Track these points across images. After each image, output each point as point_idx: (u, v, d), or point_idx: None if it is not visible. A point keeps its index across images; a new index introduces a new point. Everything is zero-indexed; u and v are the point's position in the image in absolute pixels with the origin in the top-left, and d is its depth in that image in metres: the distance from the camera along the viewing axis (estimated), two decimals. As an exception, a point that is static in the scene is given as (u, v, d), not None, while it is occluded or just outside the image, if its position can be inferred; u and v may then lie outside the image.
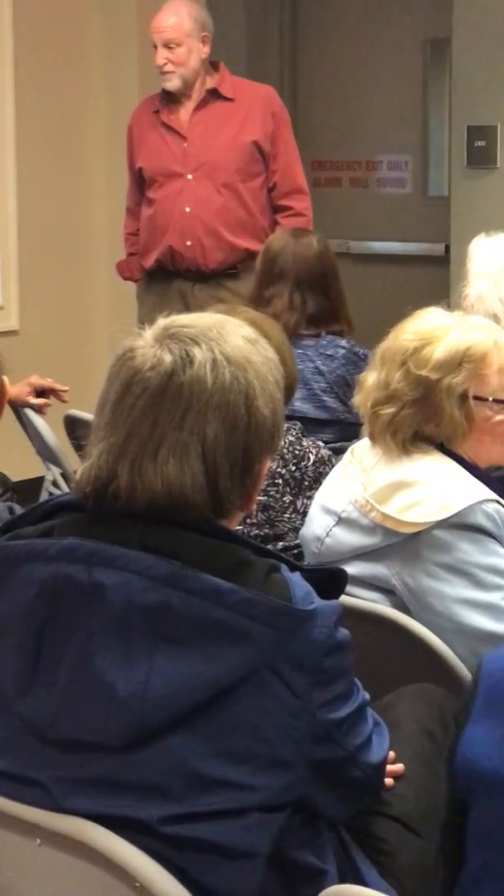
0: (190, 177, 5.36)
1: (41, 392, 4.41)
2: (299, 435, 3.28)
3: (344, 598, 2.05)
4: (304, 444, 3.26)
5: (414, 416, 2.65)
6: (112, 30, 6.52)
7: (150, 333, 1.90)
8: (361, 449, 2.80)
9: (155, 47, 5.35)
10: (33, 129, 6.30)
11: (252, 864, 1.77)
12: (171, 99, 5.43)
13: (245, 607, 1.76)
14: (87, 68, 6.54)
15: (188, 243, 5.34)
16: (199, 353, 1.86)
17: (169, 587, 1.76)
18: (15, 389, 4.13)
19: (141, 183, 5.50)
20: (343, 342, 3.97)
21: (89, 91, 6.55)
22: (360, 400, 2.74)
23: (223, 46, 6.02)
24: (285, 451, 3.21)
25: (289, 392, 3.03)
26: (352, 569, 2.65)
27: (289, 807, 1.81)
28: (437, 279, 6.16)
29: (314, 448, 3.27)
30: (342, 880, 1.85)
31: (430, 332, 2.67)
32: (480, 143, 6.18)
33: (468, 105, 6.20)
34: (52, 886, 1.84)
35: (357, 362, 3.85)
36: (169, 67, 5.32)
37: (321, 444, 3.34)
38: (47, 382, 4.41)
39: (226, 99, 5.40)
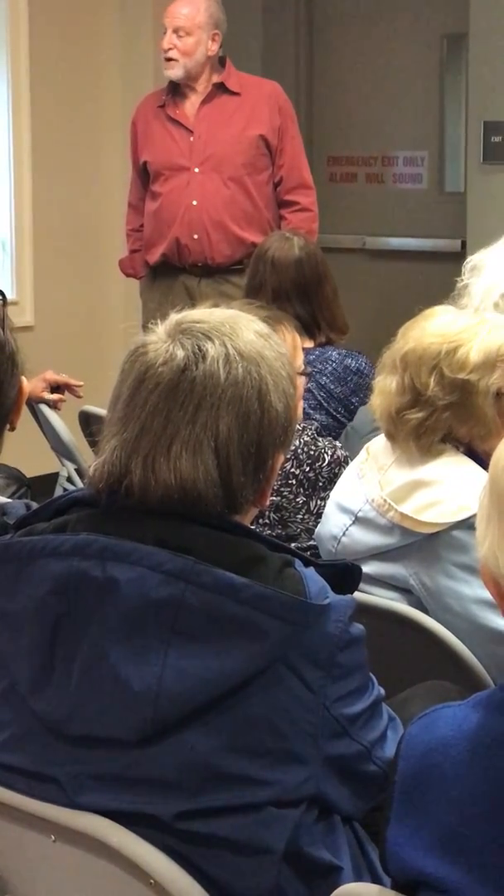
0: (197, 170, 5.35)
1: (56, 387, 4.41)
2: (314, 435, 3.25)
3: (361, 596, 2.04)
4: (320, 444, 3.24)
5: (447, 419, 2.64)
6: (128, 22, 6.52)
7: (162, 328, 1.90)
8: (377, 447, 2.78)
9: (165, 32, 5.35)
10: (49, 126, 6.31)
11: (267, 860, 1.77)
12: (177, 93, 5.42)
13: (259, 602, 1.75)
14: (102, 63, 6.54)
15: (195, 236, 5.33)
16: (211, 348, 1.86)
17: (183, 582, 1.76)
18: (30, 385, 4.11)
19: (144, 178, 5.49)
20: (334, 354, 3.82)
21: (105, 86, 6.56)
22: (381, 405, 2.72)
23: (239, 41, 6.01)
24: (300, 451, 3.18)
25: None
26: (369, 568, 2.65)
27: (304, 802, 1.80)
28: (453, 275, 6.10)
29: (330, 449, 3.24)
30: (357, 877, 1.85)
31: (458, 333, 2.66)
32: (497, 139, 6.17)
33: (484, 100, 6.19)
34: (66, 883, 1.84)
35: (346, 378, 3.78)
36: (173, 54, 5.31)
37: (337, 444, 3.31)
38: (62, 378, 4.41)
39: (232, 93, 5.39)
